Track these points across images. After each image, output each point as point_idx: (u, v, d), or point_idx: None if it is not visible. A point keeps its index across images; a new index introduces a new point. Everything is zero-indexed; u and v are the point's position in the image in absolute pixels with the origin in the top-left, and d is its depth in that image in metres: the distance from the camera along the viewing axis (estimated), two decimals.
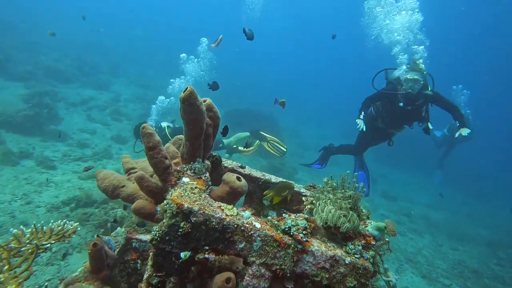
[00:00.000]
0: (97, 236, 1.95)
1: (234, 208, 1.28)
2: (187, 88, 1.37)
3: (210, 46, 4.04)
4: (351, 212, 1.31)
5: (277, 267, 1.24)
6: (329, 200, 1.35)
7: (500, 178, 17.62)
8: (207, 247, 1.21)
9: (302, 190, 1.89)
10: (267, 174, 1.96)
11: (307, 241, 1.25)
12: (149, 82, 15.44)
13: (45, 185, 5.40)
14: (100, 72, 14.89)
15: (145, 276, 1.27)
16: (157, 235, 1.19)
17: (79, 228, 2.34)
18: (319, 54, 35.47)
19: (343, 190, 1.40)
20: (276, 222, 1.28)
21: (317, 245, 1.27)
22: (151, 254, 1.30)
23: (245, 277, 1.25)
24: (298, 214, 1.38)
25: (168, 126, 6.28)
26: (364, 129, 4.30)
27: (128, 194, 1.65)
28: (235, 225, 1.21)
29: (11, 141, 7.50)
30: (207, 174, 1.55)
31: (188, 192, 1.27)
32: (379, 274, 1.41)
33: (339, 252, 1.28)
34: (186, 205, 1.17)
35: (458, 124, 4.08)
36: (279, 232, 1.25)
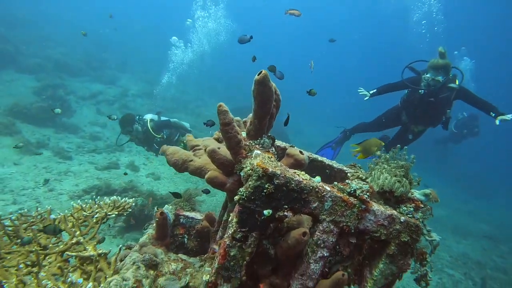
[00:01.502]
0: (158, 208, 2.15)
1: (306, 174, 1.49)
2: (261, 71, 1.57)
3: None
4: (404, 179, 1.53)
5: (344, 224, 1.45)
6: (384, 169, 1.58)
7: (501, 176, 17.93)
8: (286, 206, 1.42)
9: (345, 168, 2.11)
10: (313, 154, 2.17)
11: (369, 202, 1.47)
12: (155, 78, 15.61)
13: (43, 184, 5.49)
14: (108, 67, 14.96)
15: (229, 232, 1.47)
16: (244, 195, 1.39)
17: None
18: (324, 54, 35.65)
19: (395, 161, 1.62)
20: (341, 186, 1.50)
21: (376, 205, 1.49)
22: (233, 213, 1.50)
23: (316, 232, 1.47)
24: (358, 180, 1.60)
25: (151, 120, 6.26)
26: (369, 93, 4.61)
27: (196, 167, 1.85)
28: (311, 187, 1.42)
29: (27, 131, 7.62)
30: (273, 149, 1.76)
31: (267, 160, 1.48)
32: (423, 235, 1.63)
33: (394, 212, 1.50)
34: (270, 169, 1.38)
35: (493, 115, 3.95)
36: (345, 194, 1.47)
